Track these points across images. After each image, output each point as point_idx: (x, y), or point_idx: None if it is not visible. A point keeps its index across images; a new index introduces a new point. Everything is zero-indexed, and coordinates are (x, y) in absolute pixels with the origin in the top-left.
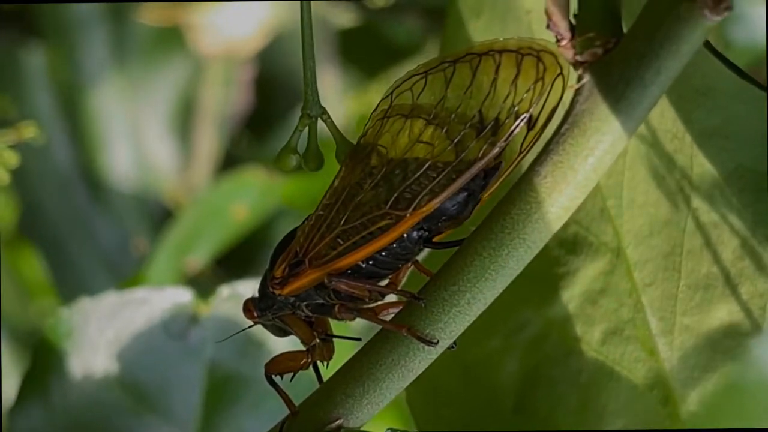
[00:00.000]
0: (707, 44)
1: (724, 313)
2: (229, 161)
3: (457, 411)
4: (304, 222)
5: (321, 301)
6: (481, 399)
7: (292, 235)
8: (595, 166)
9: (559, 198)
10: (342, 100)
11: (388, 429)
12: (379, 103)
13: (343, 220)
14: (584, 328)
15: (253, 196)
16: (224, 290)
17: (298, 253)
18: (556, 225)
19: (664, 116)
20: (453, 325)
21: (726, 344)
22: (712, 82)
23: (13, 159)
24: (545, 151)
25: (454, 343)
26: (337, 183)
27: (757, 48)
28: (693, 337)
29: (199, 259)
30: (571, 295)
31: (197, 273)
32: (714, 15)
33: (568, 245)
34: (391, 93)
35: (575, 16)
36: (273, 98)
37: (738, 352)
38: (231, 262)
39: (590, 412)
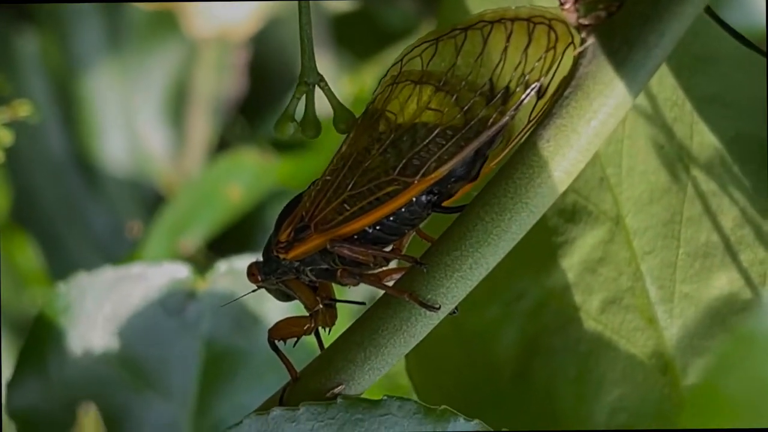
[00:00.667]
0: (708, 9)
1: (723, 281)
2: (223, 146)
3: (456, 380)
4: (310, 187)
5: (325, 266)
6: (480, 368)
7: (297, 200)
8: (599, 129)
9: (562, 162)
10: (336, 84)
11: (384, 395)
12: (388, 69)
13: (350, 185)
14: (583, 296)
15: (248, 177)
16: (222, 265)
17: (303, 218)
18: (558, 189)
19: (663, 84)
20: (455, 290)
21: (725, 312)
22: (712, 50)
23: (7, 137)
24: (549, 114)
25: (456, 308)
26: (344, 148)
27: (755, 31)
28: (692, 305)
29: (193, 240)
30: (570, 264)
31: (192, 254)
32: None
33: (567, 214)
34: (401, 59)
35: None
36: (267, 83)
37: (737, 319)
38: (226, 244)
39: (589, 381)
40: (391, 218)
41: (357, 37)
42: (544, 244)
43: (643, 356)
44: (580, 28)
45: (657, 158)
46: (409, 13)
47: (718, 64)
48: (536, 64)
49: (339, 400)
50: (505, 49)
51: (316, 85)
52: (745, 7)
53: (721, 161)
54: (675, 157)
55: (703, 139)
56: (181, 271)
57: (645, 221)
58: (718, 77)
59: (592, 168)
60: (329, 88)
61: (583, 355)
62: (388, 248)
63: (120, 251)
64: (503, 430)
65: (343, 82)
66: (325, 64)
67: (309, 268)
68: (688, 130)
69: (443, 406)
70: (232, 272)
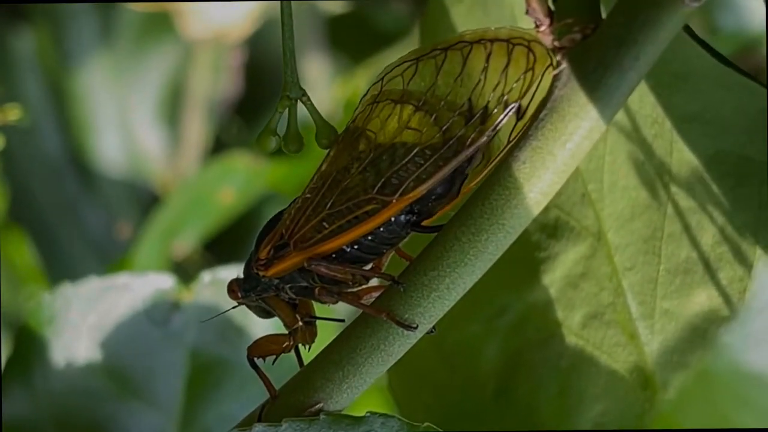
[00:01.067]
0: (687, 29)
1: (703, 297)
2: (218, 147)
3: (438, 396)
4: (290, 205)
5: (305, 284)
6: (462, 384)
7: (278, 217)
8: (574, 151)
9: (538, 183)
10: (330, 86)
11: (367, 412)
12: (369, 88)
13: (330, 203)
14: (565, 312)
15: (240, 180)
16: (206, 276)
17: (283, 236)
18: (535, 210)
19: (643, 101)
20: (432, 310)
21: (705, 328)
22: (691, 68)
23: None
24: (524, 136)
25: (433, 327)
26: (324, 167)
27: (745, 35)
28: (673, 322)
29: (186, 243)
30: (552, 280)
31: (184, 257)
32: (692, 1)
33: (549, 229)
34: (382, 78)
35: (554, 1)
36: (262, 84)
37: (717, 336)
38: (218, 247)
39: (570, 396)
40: (370, 237)
41: (351, 39)
42: (526, 259)
43: (625, 371)
44: (555, 50)
45: (638, 175)
46: (402, 15)
47: (698, 82)
48: (515, 84)
49: (322, 416)
50: (485, 69)
51: (299, 100)
52: (732, 11)
53: (700, 179)
54: (655, 174)
55: (683, 156)
56: (165, 282)
57: (626, 237)
58: (697, 95)
59: (573, 184)
60: (311, 103)
61: (565, 370)
62: (368, 267)
63: (115, 251)
64: None
65: (336, 84)
66: (319, 65)
67: (288, 285)
68: (668, 147)
69: (426, 423)
70: (217, 283)
